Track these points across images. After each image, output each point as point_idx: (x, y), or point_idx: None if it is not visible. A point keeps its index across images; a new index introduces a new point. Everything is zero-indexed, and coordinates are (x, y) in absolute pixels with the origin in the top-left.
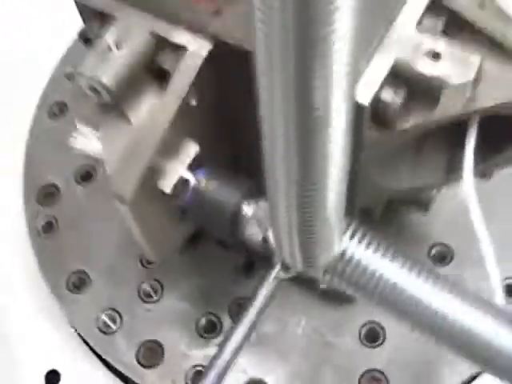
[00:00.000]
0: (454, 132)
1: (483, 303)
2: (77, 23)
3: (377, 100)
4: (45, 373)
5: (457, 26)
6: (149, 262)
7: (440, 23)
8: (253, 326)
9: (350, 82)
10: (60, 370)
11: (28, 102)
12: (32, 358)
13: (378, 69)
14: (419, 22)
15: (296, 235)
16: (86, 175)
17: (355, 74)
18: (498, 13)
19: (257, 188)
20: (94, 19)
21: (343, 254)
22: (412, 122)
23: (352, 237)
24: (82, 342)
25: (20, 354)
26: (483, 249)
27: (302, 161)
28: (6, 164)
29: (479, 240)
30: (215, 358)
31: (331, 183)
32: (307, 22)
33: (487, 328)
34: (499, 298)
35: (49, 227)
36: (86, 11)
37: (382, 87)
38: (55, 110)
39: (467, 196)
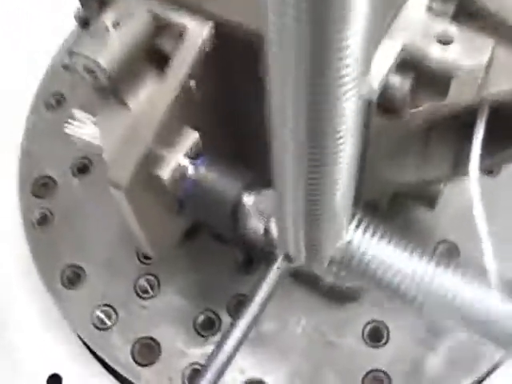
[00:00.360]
0: (461, 125)
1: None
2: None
3: (385, 86)
4: (46, 377)
5: (467, 12)
6: (146, 257)
7: (450, 8)
8: (254, 321)
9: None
10: (61, 374)
11: (25, 93)
12: (33, 361)
13: (386, 54)
14: (429, 7)
15: (302, 225)
16: (83, 168)
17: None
18: None
19: (258, 178)
20: (93, 1)
21: (349, 244)
22: (421, 109)
23: (357, 227)
24: (83, 345)
25: (21, 357)
26: (483, 246)
27: (312, 149)
28: (1, 155)
29: (480, 238)
30: (214, 355)
31: (340, 172)
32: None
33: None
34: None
35: (44, 220)
36: None
37: (390, 72)
38: (52, 101)
39: (472, 191)
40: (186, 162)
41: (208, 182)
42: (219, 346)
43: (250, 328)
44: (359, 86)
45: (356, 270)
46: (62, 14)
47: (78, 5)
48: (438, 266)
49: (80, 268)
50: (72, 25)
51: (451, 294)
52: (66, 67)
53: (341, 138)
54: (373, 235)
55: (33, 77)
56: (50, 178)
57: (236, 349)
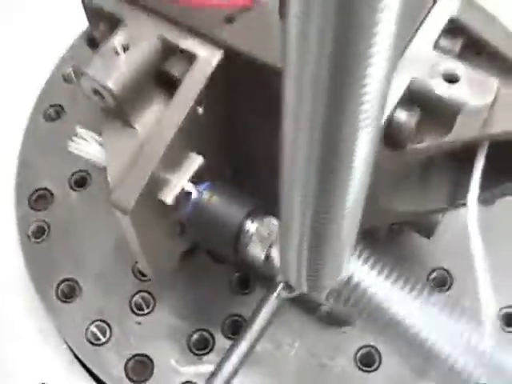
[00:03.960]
0: (460, 157)
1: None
2: (76, 24)
3: (390, 120)
4: None
5: (474, 49)
6: (141, 274)
7: (457, 45)
8: (253, 346)
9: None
10: None
11: (24, 104)
12: (25, 374)
13: (393, 88)
14: (436, 43)
15: (305, 258)
16: (81, 181)
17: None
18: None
19: (260, 205)
20: (102, 23)
21: (350, 279)
22: (425, 144)
23: (359, 263)
24: (73, 355)
25: (13, 370)
26: (479, 279)
27: (321, 189)
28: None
29: (476, 270)
30: (213, 376)
31: (348, 207)
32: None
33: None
34: (492, 328)
35: (40, 232)
36: (94, 14)
37: (396, 107)
38: (51, 112)
39: (469, 224)
40: (190, 186)
41: (211, 207)
42: (216, 372)
43: (247, 355)
44: (375, 127)
45: (355, 302)
46: (63, 25)
47: (80, 16)
48: (433, 302)
49: (75, 282)
50: (73, 36)
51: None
52: (66, 78)
53: (351, 175)
54: (375, 273)
55: (32, 87)
56: (47, 190)
57: (232, 376)
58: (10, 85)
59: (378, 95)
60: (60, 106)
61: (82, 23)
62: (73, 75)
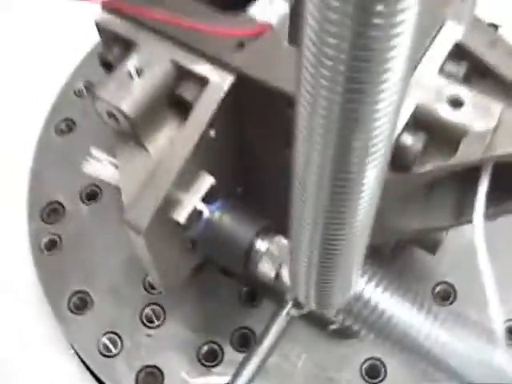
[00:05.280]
0: (464, 176)
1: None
2: (88, 39)
3: (396, 144)
4: None
5: (479, 72)
6: (152, 287)
7: (462, 69)
8: (263, 363)
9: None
10: None
11: (36, 118)
12: (34, 382)
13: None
14: (441, 68)
15: (314, 277)
16: (92, 195)
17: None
18: (509, 52)
19: (271, 224)
20: (116, 44)
21: (360, 296)
22: (429, 167)
23: (369, 280)
24: (84, 367)
25: (22, 377)
26: (487, 292)
27: (331, 212)
28: (11, 180)
29: (484, 284)
30: None
31: (356, 232)
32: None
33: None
34: (500, 341)
35: (52, 245)
36: (107, 36)
37: (402, 132)
38: (63, 126)
39: (476, 240)
40: (202, 206)
41: (222, 226)
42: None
43: (257, 372)
44: (385, 157)
45: (364, 322)
46: (75, 40)
47: (91, 31)
48: (439, 318)
49: (87, 294)
50: (85, 51)
51: (451, 345)
52: (77, 93)
53: (361, 200)
54: (384, 290)
55: (43, 101)
56: (59, 203)
57: None
58: (22, 99)
59: (387, 128)
60: (71, 120)
61: (93, 38)
62: (84, 90)
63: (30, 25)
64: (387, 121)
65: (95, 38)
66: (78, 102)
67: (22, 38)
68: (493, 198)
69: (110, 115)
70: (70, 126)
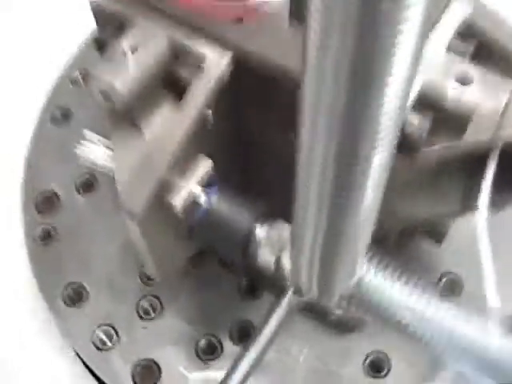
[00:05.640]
0: (471, 163)
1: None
2: (84, 27)
3: (403, 124)
4: None
5: (486, 51)
6: (148, 278)
7: (470, 47)
8: (262, 354)
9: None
10: None
11: (31, 107)
12: (31, 379)
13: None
14: (449, 45)
15: (318, 260)
16: (88, 185)
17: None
18: None
19: (270, 209)
20: (110, 23)
21: (360, 281)
22: (436, 148)
23: (370, 266)
24: (79, 360)
25: (18, 374)
26: (486, 282)
27: (336, 197)
28: (5, 169)
29: (484, 275)
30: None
31: (362, 216)
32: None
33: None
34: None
35: (47, 236)
36: (102, 17)
37: (409, 111)
38: (58, 115)
39: (478, 229)
40: (198, 190)
41: (220, 211)
42: (226, 378)
43: (257, 361)
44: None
45: (365, 306)
46: (71, 28)
47: (88, 19)
48: (441, 305)
49: (82, 286)
50: (81, 39)
51: (451, 330)
52: (73, 82)
53: (368, 185)
54: (383, 273)
55: (39, 90)
56: (54, 193)
57: (246, 378)
58: (18, 88)
59: (395, 108)
60: (67, 109)
61: (90, 26)
62: (80, 79)
63: (27, 14)
64: (395, 100)
65: (92, 26)
66: (74, 91)
67: (17, 27)
68: (499, 187)
69: (104, 94)
70: (66, 115)
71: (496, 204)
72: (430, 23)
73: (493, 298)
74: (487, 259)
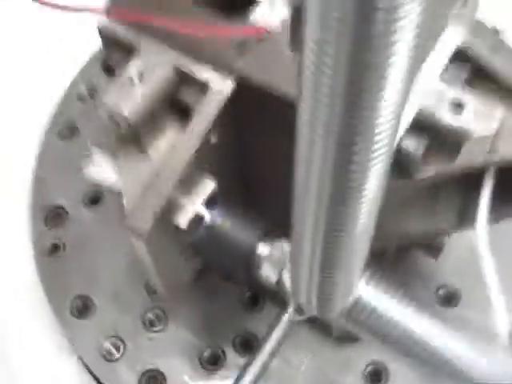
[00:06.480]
0: (468, 179)
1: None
2: (90, 44)
3: (399, 148)
4: None
5: (481, 75)
6: (154, 291)
7: (464, 72)
8: (265, 368)
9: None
10: None
11: (38, 122)
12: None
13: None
14: (443, 71)
15: (316, 281)
16: (95, 199)
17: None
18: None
19: (273, 228)
20: (117, 50)
21: (358, 300)
22: (432, 171)
23: (368, 283)
24: (86, 370)
25: (24, 381)
26: (492, 296)
27: (332, 214)
28: (12, 183)
29: (489, 288)
30: None
31: (358, 233)
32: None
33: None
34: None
35: (55, 249)
36: (109, 42)
37: (404, 135)
38: (65, 130)
39: (480, 244)
40: (203, 210)
41: (224, 230)
42: None
43: (259, 376)
44: (387, 161)
45: (364, 324)
46: (78, 44)
47: (94, 36)
48: (439, 326)
49: (89, 299)
50: (87, 56)
51: (448, 348)
52: (79, 97)
53: (363, 201)
54: (383, 293)
55: (46, 106)
56: (61, 207)
57: None
58: (24, 103)
59: (389, 131)
60: (74, 124)
61: (95, 43)
62: (87, 94)
63: (34, 29)
64: (389, 122)
65: (98, 42)
66: (81, 107)
67: (25, 41)
68: (496, 203)
69: (112, 120)
70: (72, 130)
71: (491, 219)
72: (424, 50)
73: (500, 314)
74: (491, 277)
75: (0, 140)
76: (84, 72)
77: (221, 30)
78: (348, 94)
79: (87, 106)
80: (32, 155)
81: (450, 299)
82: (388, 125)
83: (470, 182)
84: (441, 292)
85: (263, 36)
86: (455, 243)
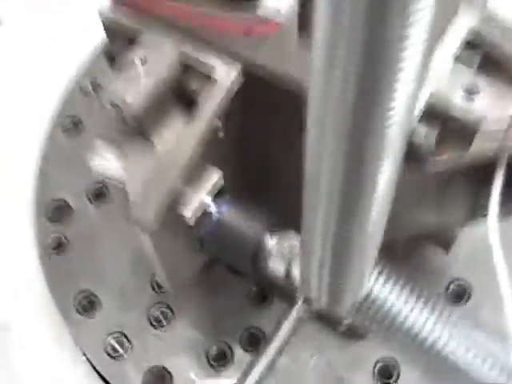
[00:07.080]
0: (479, 172)
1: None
2: (94, 37)
3: (411, 140)
4: None
5: (493, 61)
6: (160, 287)
7: (477, 57)
8: (273, 363)
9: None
10: None
11: (42, 115)
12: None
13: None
14: (456, 56)
15: (327, 272)
16: (99, 194)
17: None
18: None
19: (280, 220)
20: (121, 37)
21: (368, 294)
22: (444, 158)
23: (378, 278)
24: (91, 367)
25: (28, 378)
26: (503, 290)
27: (344, 207)
28: (15, 178)
29: (499, 283)
30: None
31: (370, 227)
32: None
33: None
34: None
35: (59, 246)
36: (112, 30)
37: (417, 125)
38: (69, 124)
39: (491, 237)
40: (208, 200)
41: (230, 221)
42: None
43: (268, 369)
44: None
45: (372, 318)
46: (81, 38)
47: (98, 29)
48: (448, 321)
49: (94, 295)
50: (91, 49)
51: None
52: (83, 91)
53: (375, 195)
54: (392, 288)
55: (50, 99)
56: (65, 202)
57: None
58: (28, 97)
59: (403, 116)
60: (78, 117)
61: (99, 36)
62: (90, 88)
63: (37, 23)
64: (403, 106)
65: (102, 35)
66: (85, 101)
67: (28, 35)
68: (507, 195)
69: (115, 107)
70: (76, 123)
71: (503, 211)
72: (437, 34)
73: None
74: (502, 271)
75: (0, 140)
76: (87, 65)
77: (231, 20)
78: (362, 80)
79: (91, 99)
80: (32, 155)
81: (461, 294)
82: (400, 114)
83: (480, 174)
84: (452, 287)
85: (271, 24)
86: (467, 237)
